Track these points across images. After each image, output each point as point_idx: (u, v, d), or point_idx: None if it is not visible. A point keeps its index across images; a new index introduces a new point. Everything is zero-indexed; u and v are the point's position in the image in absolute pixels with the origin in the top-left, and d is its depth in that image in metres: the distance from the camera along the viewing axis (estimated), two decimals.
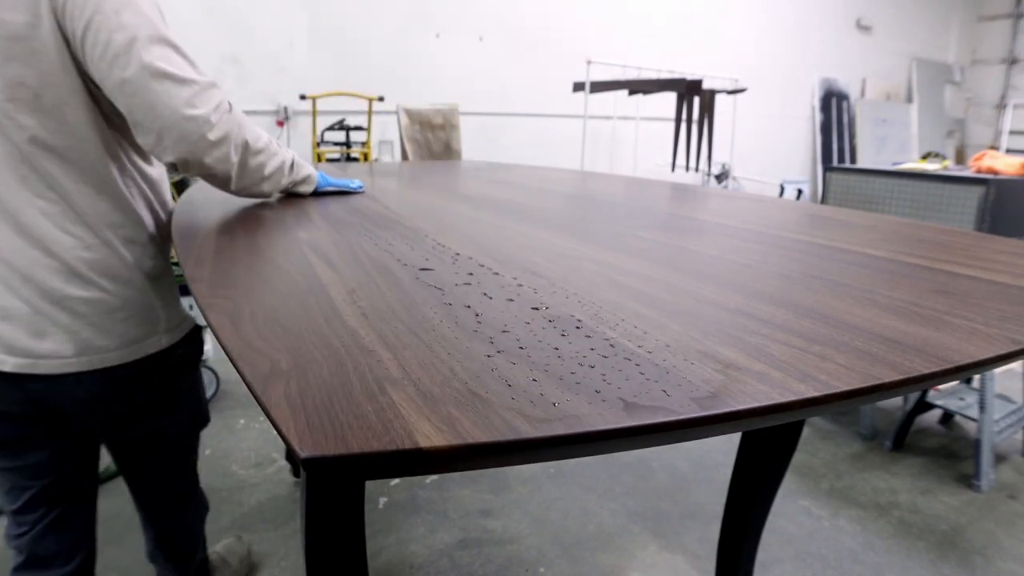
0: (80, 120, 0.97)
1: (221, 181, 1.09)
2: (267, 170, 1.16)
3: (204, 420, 1.34)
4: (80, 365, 1.03)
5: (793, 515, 2.08)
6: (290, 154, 1.25)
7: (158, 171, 1.14)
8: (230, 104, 1.04)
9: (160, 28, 0.96)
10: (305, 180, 1.31)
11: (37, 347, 1.01)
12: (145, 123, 0.95)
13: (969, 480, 2.31)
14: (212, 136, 0.98)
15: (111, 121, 1.02)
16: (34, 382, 1.02)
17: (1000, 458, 2.47)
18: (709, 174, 6.22)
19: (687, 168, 5.64)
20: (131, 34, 0.91)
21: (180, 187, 3.65)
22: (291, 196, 1.33)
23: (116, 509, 2.01)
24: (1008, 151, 8.33)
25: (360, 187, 1.49)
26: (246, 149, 1.08)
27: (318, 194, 1.36)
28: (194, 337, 1.23)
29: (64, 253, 1.00)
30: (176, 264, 1.01)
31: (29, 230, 0.98)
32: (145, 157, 1.10)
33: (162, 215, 1.15)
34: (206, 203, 1.33)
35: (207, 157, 1.00)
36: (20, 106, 0.94)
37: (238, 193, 1.15)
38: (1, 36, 0.90)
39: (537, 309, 0.65)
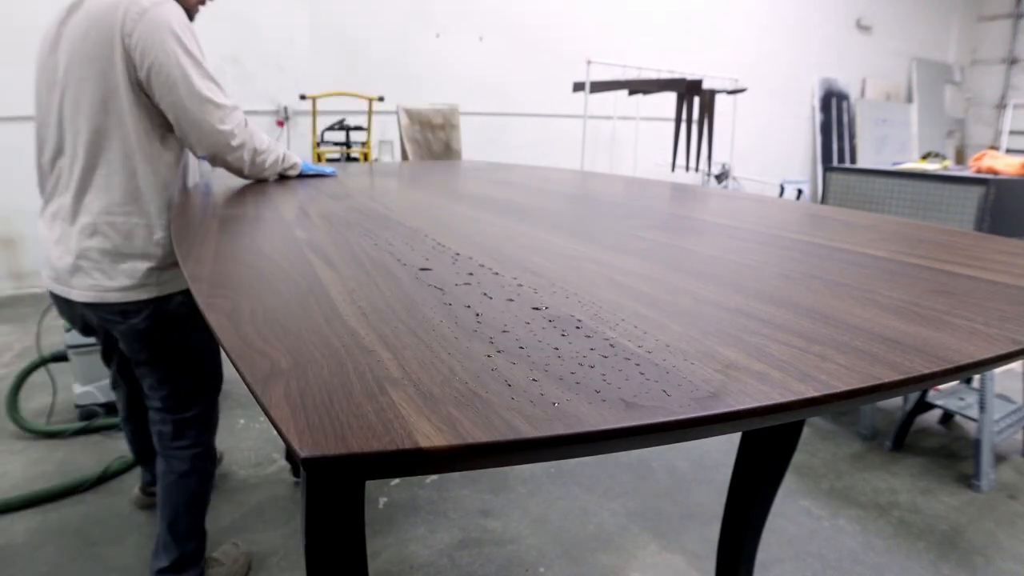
0: (130, 120, 1.34)
1: (236, 171, 1.57)
2: (267, 163, 1.62)
3: (212, 379, 1.63)
4: (88, 297, 1.39)
5: (793, 515, 2.08)
6: (282, 149, 1.70)
7: (173, 156, 1.45)
8: (246, 120, 1.50)
9: (204, 65, 1.38)
10: (292, 167, 1.76)
11: (72, 281, 1.40)
12: (189, 131, 1.38)
13: (969, 480, 2.31)
14: (234, 143, 1.45)
15: (153, 123, 1.38)
16: (76, 305, 1.43)
17: (1000, 458, 2.47)
18: (709, 174, 6.22)
19: (687, 168, 5.64)
20: (185, 71, 1.33)
21: None
22: (294, 194, 1.50)
23: (116, 509, 2.01)
24: (1008, 151, 8.32)
25: (333, 173, 1.95)
26: (255, 152, 1.55)
27: (303, 176, 1.80)
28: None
29: (94, 216, 1.36)
30: None
31: (83, 199, 1.37)
32: (170, 150, 1.44)
33: (175, 193, 1.45)
34: (206, 203, 1.33)
35: (228, 157, 1.48)
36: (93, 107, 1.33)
37: (248, 178, 1.62)
38: (84, 59, 1.30)
39: (537, 309, 0.65)
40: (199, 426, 1.58)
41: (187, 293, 1.43)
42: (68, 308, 1.48)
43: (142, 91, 1.32)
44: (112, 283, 1.37)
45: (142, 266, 1.39)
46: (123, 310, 1.40)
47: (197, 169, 1.60)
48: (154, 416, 1.57)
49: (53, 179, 1.41)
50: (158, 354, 1.49)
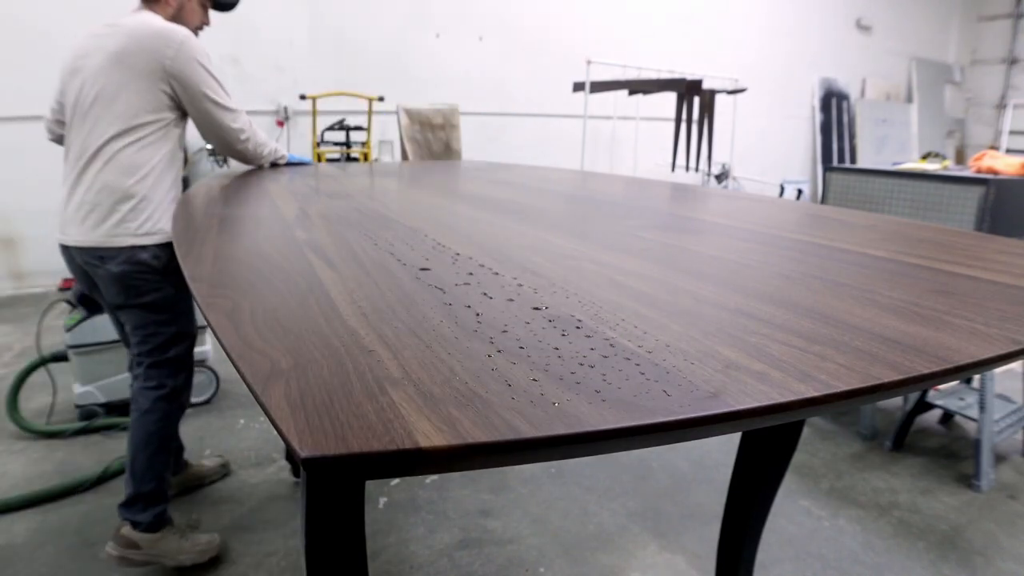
0: (147, 115, 1.69)
1: (240, 158, 1.98)
2: (264, 153, 2.02)
3: (186, 332, 1.82)
4: (76, 242, 1.69)
5: (793, 515, 2.08)
6: (272, 144, 2.09)
7: (173, 144, 1.77)
8: (250, 119, 1.90)
9: (219, 80, 1.77)
10: (281, 157, 2.18)
11: (68, 230, 1.70)
12: (209, 129, 1.81)
13: (969, 480, 2.31)
14: (242, 137, 1.87)
15: (165, 119, 1.72)
16: (72, 251, 1.73)
17: (1000, 458, 2.47)
18: (709, 174, 6.22)
19: (687, 168, 5.64)
20: (210, 86, 1.74)
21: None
22: (294, 194, 1.56)
23: (116, 508, 2.01)
24: (1008, 151, 8.32)
25: (310, 162, 2.38)
26: (256, 144, 1.96)
27: (291, 164, 2.23)
28: (167, 247, 1.70)
29: (99, 181, 1.66)
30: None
31: (95, 167, 1.67)
32: (170, 140, 1.76)
33: (170, 175, 1.76)
34: (207, 203, 1.33)
35: (237, 147, 1.89)
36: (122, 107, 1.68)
37: (248, 163, 2.04)
38: (122, 66, 1.65)
39: (537, 309, 0.65)
40: (167, 370, 1.78)
41: (162, 248, 1.70)
42: (67, 256, 1.76)
43: (165, 95, 1.69)
44: (96, 232, 1.65)
45: (124, 220, 1.66)
46: (101, 255, 1.66)
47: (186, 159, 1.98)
48: (134, 359, 1.81)
49: (78, 148, 1.68)
50: (132, 300, 1.72)
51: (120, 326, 1.96)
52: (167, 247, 1.72)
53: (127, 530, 1.72)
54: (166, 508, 1.76)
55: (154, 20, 1.71)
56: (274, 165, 2.17)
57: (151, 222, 1.70)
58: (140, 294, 1.72)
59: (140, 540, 1.71)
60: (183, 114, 1.77)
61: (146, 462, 1.72)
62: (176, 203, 1.69)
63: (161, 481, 1.75)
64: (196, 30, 1.88)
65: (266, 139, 2.01)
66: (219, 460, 2.26)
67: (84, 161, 1.66)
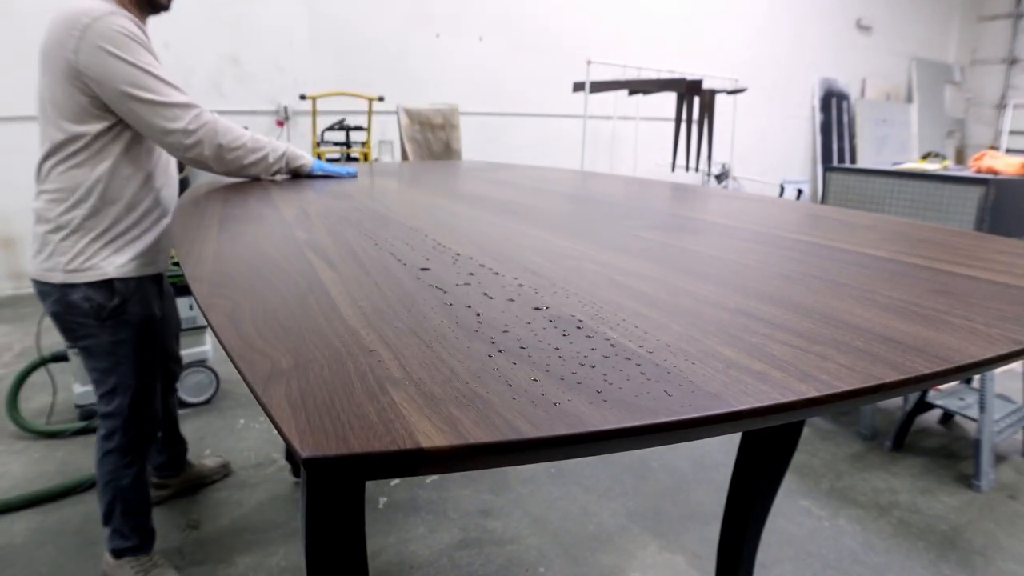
0: (72, 124, 1.42)
1: (204, 168, 1.57)
2: (246, 160, 1.62)
3: (133, 387, 1.58)
4: (29, 271, 1.51)
5: (793, 515, 2.08)
6: (282, 148, 1.73)
7: (112, 160, 1.47)
8: (213, 116, 1.51)
9: (149, 68, 1.39)
10: (301, 167, 1.79)
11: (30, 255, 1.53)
12: (147, 134, 1.46)
13: (969, 480, 2.31)
14: (188, 141, 1.47)
15: (94, 127, 1.43)
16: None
17: (1000, 458, 2.47)
18: (709, 174, 6.22)
19: (687, 168, 5.64)
20: (130, 80, 1.37)
21: (182, 185, 3.65)
22: (294, 194, 1.52)
23: None
24: (1008, 151, 8.32)
25: (352, 173, 1.94)
26: (221, 148, 1.53)
27: (314, 177, 1.82)
28: (102, 288, 1.50)
29: (41, 203, 1.48)
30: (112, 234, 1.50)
31: (40, 188, 1.49)
32: (108, 156, 1.47)
33: (117, 195, 1.49)
34: (207, 204, 1.33)
35: (188, 154, 1.49)
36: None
37: (225, 175, 1.63)
38: (44, 68, 1.39)
39: (538, 309, 0.65)
40: (112, 422, 1.59)
41: (96, 289, 1.48)
42: None
43: (87, 98, 1.38)
44: (32, 263, 1.50)
45: (53, 254, 1.47)
46: (41, 290, 1.51)
47: (165, 173, 1.63)
48: None
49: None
50: (71, 340, 1.58)
51: None
52: (104, 287, 1.49)
53: (106, 558, 1.68)
54: (131, 545, 1.66)
55: (75, 2, 1.36)
56: (295, 175, 1.79)
57: (82, 258, 1.46)
58: (76, 338, 1.54)
59: (105, 559, 1.68)
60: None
61: (106, 506, 1.63)
62: (143, 230, 1.53)
63: (123, 523, 1.64)
64: (152, 9, 1.52)
65: (254, 141, 1.62)
66: (220, 460, 2.25)
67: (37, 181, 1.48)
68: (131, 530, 1.66)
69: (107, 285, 1.50)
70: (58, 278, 1.46)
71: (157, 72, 1.41)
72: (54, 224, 1.45)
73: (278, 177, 1.75)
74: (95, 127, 1.41)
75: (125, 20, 1.37)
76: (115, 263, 1.50)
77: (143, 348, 1.59)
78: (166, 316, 1.82)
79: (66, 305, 1.49)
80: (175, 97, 1.43)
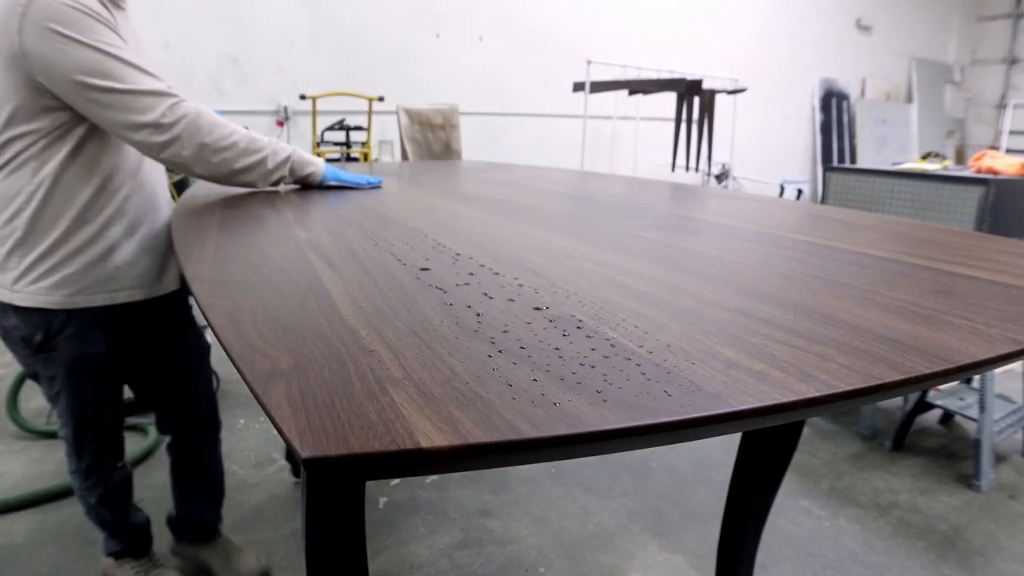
0: (21, 125, 1.17)
1: (186, 172, 1.29)
2: (237, 165, 1.31)
3: (69, 416, 1.38)
4: None
5: (793, 515, 2.08)
6: (286, 151, 1.43)
7: (51, 169, 1.20)
8: (196, 108, 1.22)
9: (108, 49, 1.12)
10: (310, 175, 1.50)
11: None
12: (112, 131, 1.18)
13: (969, 480, 2.31)
14: (162, 138, 1.18)
15: (44, 127, 1.18)
16: None
17: (1000, 458, 2.47)
18: (709, 174, 6.22)
19: (687, 168, 5.64)
20: (78, 66, 1.10)
21: (180, 187, 3.65)
22: (294, 193, 1.46)
23: None
24: (1008, 151, 8.32)
25: (376, 182, 1.64)
26: (204, 147, 1.23)
27: (326, 187, 1.54)
28: (32, 316, 1.25)
29: None
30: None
31: None
32: (49, 161, 1.20)
33: (43, 203, 1.21)
34: (207, 204, 1.33)
35: (162, 155, 1.21)
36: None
37: (210, 180, 1.32)
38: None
39: (538, 309, 0.65)
40: (66, 446, 1.44)
41: (32, 316, 1.25)
42: None
43: (44, 94, 1.13)
44: None
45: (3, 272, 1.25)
46: None
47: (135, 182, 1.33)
48: None
49: None
50: (27, 367, 1.39)
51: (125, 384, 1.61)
52: (41, 316, 1.25)
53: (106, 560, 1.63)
54: (122, 548, 1.61)
55: None
56: (305, 185, 1.51)
57: (14, 275, 1.23)
58: (20, 362, 1.38)
59: (104, 561, 1.64)
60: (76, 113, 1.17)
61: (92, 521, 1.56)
62: (97, 251, 1.26)
63: (111, 532, 1.59)
64: None
65: (240, 144, 1.30)
66: (261, 565, 1.73)
67: None
68: (117, 537, 1.61)
69: (46, 314, 1.25)
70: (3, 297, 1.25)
71: (121, 54, 1.12)
72: None
73: (281, 187, 1.48)
74: (43, 123, 1.15)
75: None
76: (43, 288, 1.23)
77: (81, 389, 1.35)
78: (170, 350, 1.53)
79: (3, 328, 1.30)
80: (144, 83, 1.13)
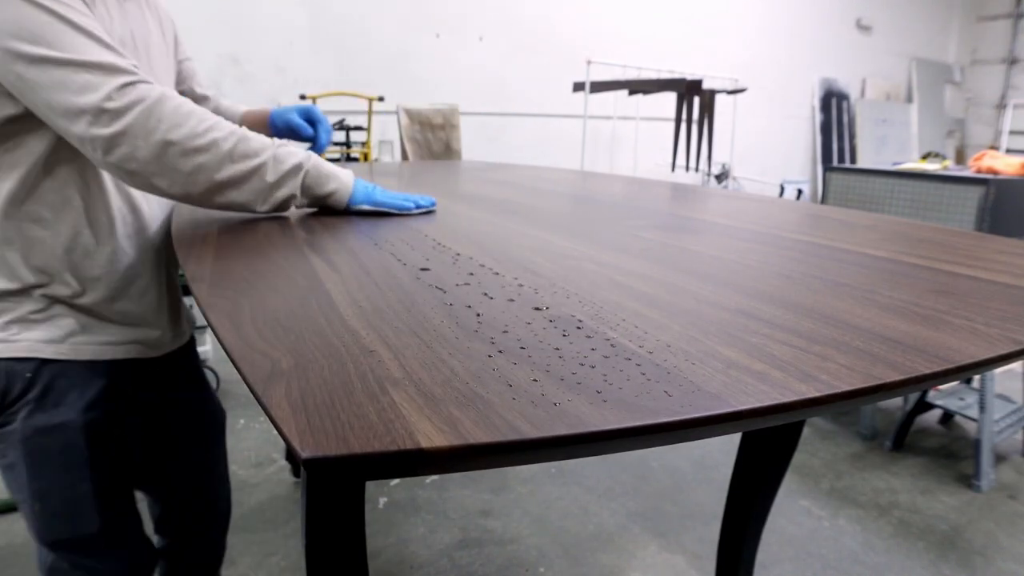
0: None
1: (138, 184, 0.87)
2: (219, 175, 0.90)
3: (47, 537, 0.98)
4: None
5: (793, 515, 2.08)
6: (297, 157, 0.99)
7: (16, 177, 0.88)
8: (160, 93, 0.84)
9: (56, 10, 0.78)
10: (331, 196, 1.06)
11: None
12: (44, 116, 0.83)
13: (969, 480, 2.31)
14: (107, 131, 0.80)
15: None
16: None
17: (1000, 458, 2.47)
18: (709, 174, 6.22)
19: (687, 168, 5.64)
20: (13, 32, 0.77)
21: None
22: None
23: None
24: (1008, 151, 8.32)
25: (428, 205, 1.19)
26: (166, 148, 0.84)
27: (359, 213, 1.11)
28: (13, 380, 0.91)
29: None
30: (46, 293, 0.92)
31: None
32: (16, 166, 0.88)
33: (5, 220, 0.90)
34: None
35: (107, 157, 0.82)
36: None
37: (186, 201, 0.93)
38: None
39: (538, 309, 0.65)
40: None
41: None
42: None
43: None
44: None
45: None
46: None
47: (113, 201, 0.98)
48: None
49: None
50: None
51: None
52: (10, 377, 0.91)
53: None
54: None
55: None
56: (325, 208, 1.10)
57: None
58: None
59: None
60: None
61: None
62: (80, 285, 0.95)
63: None
64: None
65: (252, 143, 0.93)
66: None
67: None
68: None
69: (15, 375, 0.92)
70: None
71: (68, 14, 0.79)
72: None
73: (292, 211, 1.08)
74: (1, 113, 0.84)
75: None
76: (13, 336, 0.92)
77: (79, 491, 0.96)
78: (172, 444, 1.18)
79: None
80: (91, 53, 0.79)
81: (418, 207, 1.17)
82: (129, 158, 0.82)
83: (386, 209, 1.13)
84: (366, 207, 1.11)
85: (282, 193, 1.00)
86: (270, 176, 0.96)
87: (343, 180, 1.08)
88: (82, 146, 0.83)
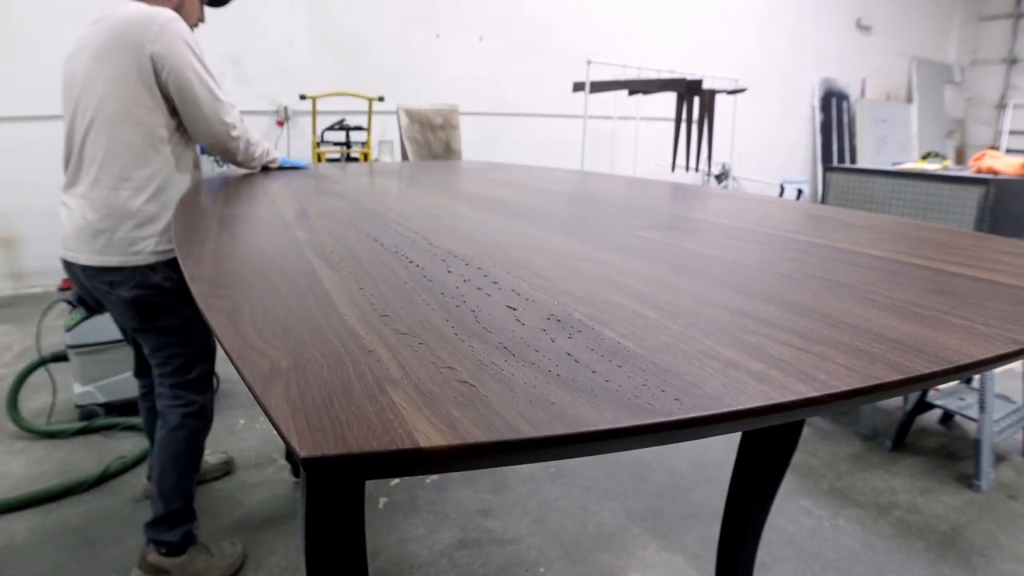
0: (141, 112, 1.56)
1: (231, 158, 1.81)
2: (256, 154, 1.88)
3: (206, 350, 1.77)
4: (84, 261, 1.58)
5: (793, 515, 2.08)
6: (266, 145, 1.96)
7: (171, 147, 1.63)
8: (242, 116, 1.74)
9: (209, 70, 1.61)
10: (273, 161, 2.04)
11: (73, 246, 1.60)
12: (199, 122, 1.62)
13: (969, 480, 2.31)
14: (234, 134, 1.70)
15: (158, 118, 1.59)
16: (76, 270, 1.64)
17: (1000, 458, 2.47)
18: (709, 174, 6.22)
19: (687, 168, 5.64)
20: (198, 74, 1.58)
21: None
22: (291, 194, 1.54)
23: (116, 509, 2.01)
24: (1008, 151, 8.33)
25: (307, 166, 2.29)
26: (248, 143, 1.81)
27: (283, 169, 2.11)
28: (176, 266, 1.45)
29: (100, 191, 1.57)
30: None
31: (93, 176, 1.58)
32: (168, 143, 1.63)
33: (170, 180, 1.62)
34: (206, 203, 1.33)
35: (229, 145, 1.72)
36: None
37: (239, 165, 1.88)
38: (109, 61, 1.51)
39: (538, 309, 0.65)
40: (192, 389, 1.71)
41: (170, 266, 1.59)
42: (72, 274, 1.65)
43: (158, 90, 1.55)
44: (104, 252, 1.54)
45: (129, 238, 1.55)
46: (111, 280, 1.56)
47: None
48: (155, 379, 1.72)
49: (75, 159, 1.57)
50: (148, 324, 1.63)
51: (135, 344, 1.90)
52: (176, 266, 1.54)
53: (154, 557, 1.65)
54: (192, 527, 1.70)
55: (139, 7, 1.54)
56: (266, 169, 2.04)
57: (154, 241, 1.58)
58: (156, 316, 1.62)
59: (171, 566, 1.65)
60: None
61: (175, 480, 1.65)
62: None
63: (189, 499, 1.69)
64: (194, 25, 1.75)
65: (259, 139, 1.88)
66: (223, 457, 2.24)
67: (90, 175, 1.53)
68: (193, 508, 1.70)
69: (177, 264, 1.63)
70: (142, 260, 1.56)
71: (215, 76, 1.66)
72: (135, 213, 1.54)
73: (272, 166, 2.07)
74: (164, 121, 1.57)
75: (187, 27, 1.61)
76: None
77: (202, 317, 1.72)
78: None
79: (148, 287, 1.58)
80: (225, 96, 1.66)
81: (306, 166, 2.29)
82: (235, 148, 1.75)
83: (293, 165, 2.19)
84: (287, 166, 2.15)
85: (265, 161, 1.98)
86: (263, 156, 1.95)
87: (277, 155, 2.06)
88: (214, 138, 1.67)
